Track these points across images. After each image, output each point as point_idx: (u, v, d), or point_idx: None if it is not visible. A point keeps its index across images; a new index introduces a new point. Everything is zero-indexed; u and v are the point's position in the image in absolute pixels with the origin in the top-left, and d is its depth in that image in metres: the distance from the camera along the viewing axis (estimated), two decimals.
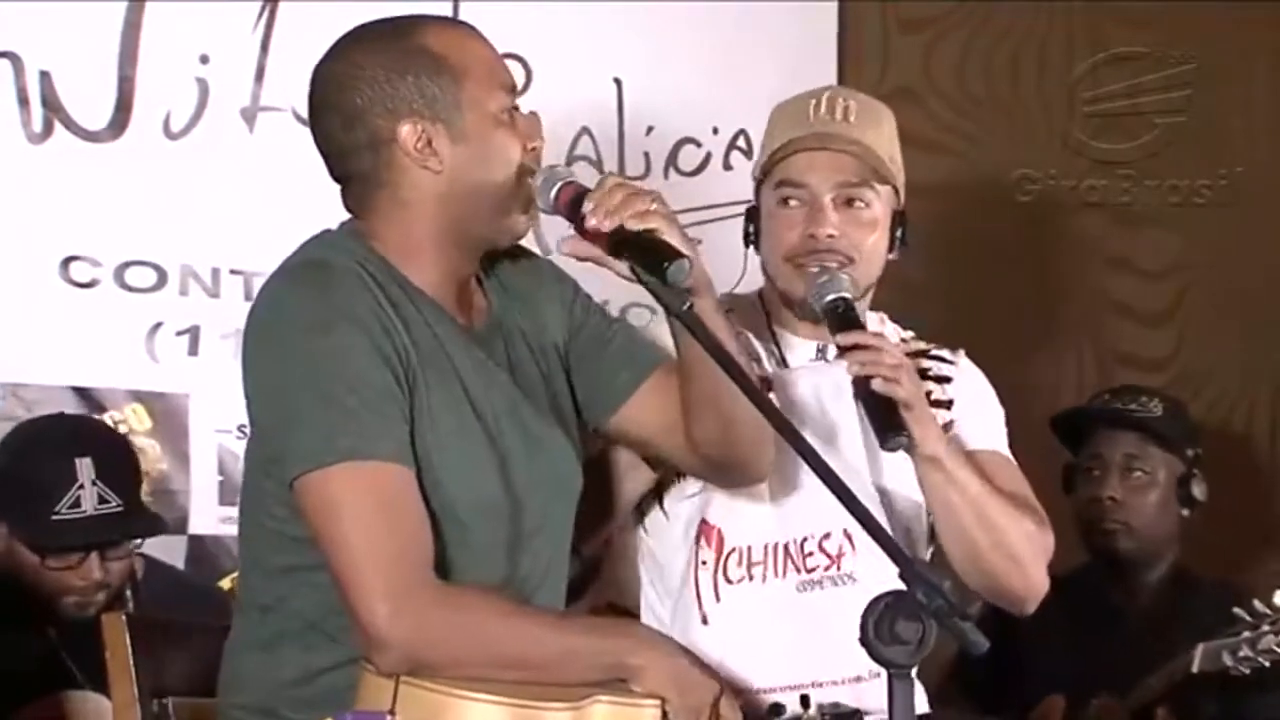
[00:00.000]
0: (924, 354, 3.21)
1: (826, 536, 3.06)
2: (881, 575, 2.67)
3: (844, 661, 2.99)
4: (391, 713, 2.42)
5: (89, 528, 3.46)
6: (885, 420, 2.96)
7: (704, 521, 3.07)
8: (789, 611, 3.06)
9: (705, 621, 3.05)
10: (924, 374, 3.14)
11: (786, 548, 3.06)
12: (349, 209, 2.75)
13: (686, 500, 3.11)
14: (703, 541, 3.06)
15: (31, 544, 3.46)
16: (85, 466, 3.46)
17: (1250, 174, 4.64)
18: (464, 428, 2.65)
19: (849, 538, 3.05)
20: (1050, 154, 4.67)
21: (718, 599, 3.06)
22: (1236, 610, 3.75)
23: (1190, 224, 4.66)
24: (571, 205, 2.66)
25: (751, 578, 3.06)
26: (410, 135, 2.65)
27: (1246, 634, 3.72)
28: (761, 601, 3.06)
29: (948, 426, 3.15)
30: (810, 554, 3.07)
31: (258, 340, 2.64)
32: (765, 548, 3.07)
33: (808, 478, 2.71)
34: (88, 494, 3.45)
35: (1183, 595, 4.10)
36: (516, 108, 2.72)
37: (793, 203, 3.12)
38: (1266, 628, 3.70)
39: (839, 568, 3.07)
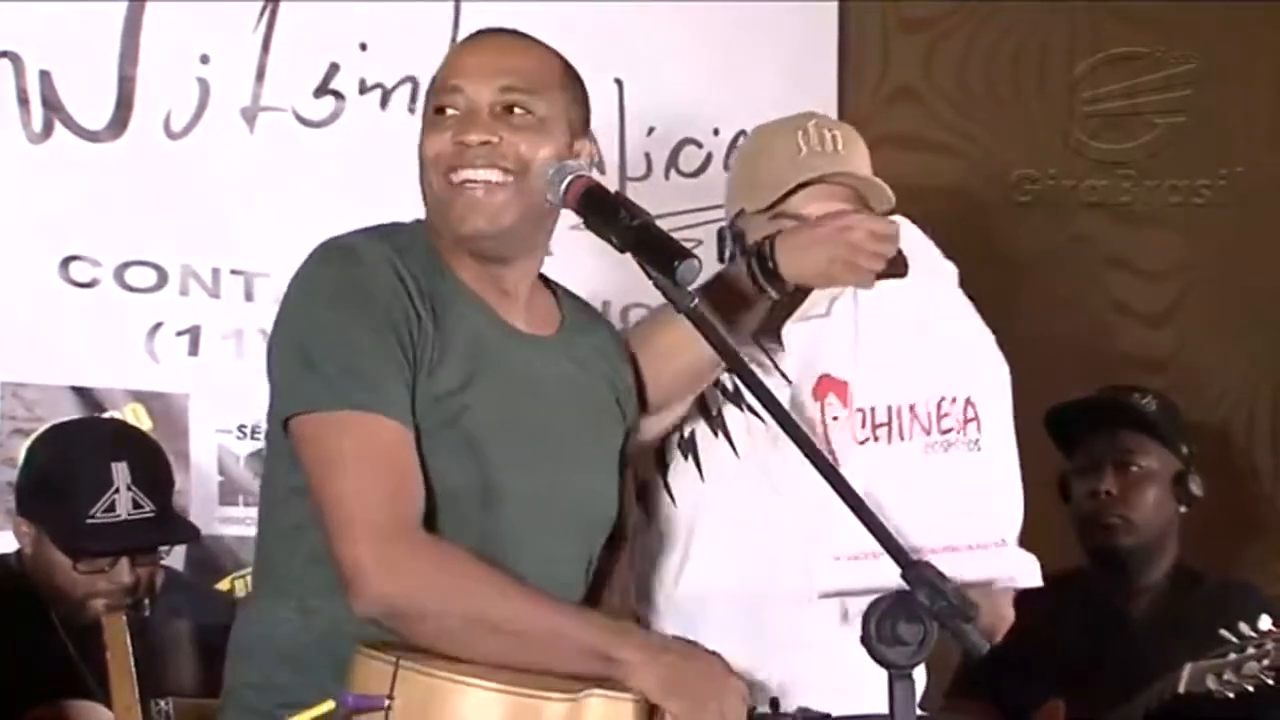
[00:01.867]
0: None
1: (953, 401, 2.97)
2: (1002, 446, 2.86)
3: (978, 527, 2.94)
4: (390, 697, 2.42)
5: (122, 533, 3.46)
6: None
7: (827, 376, 2.98)
8: (915, 474, 2.96)
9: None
10: None
11: (914, 408, 2.97)
12: None
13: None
14: (831, 397, 2.97)
15: (64, 546, 3.46)
16: (121, 471, 3.47)
17: (1250, 174, 4.64)
18: (464, 411, 2.67)
19: (972, 404, 2.97)
20: (1050, 154, 4.67)
21: (844, 460, 2.95)
22: (1223, 632, 3.76)
23: (1190, 224, 4.66)
24: (581, 199, 2.68)
25: (876, 439, 2.97)
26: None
27: (1232, 657, 3.72)
28: (888, 463, 2.96)
29: None
30: (945, 415, 2.98)
31: (281, 311, 2.69)
32: (889, 409, 2.98)
33: (935, 341, 2.82)
34: (122, 499, 3.46)
35: (1185, 595, 4.10)
36: (444, 109, 2.71)
37: None
38: (1252, 651, 3.71)
39: (965, 433, 2.97)
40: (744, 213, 3.18)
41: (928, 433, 2.97)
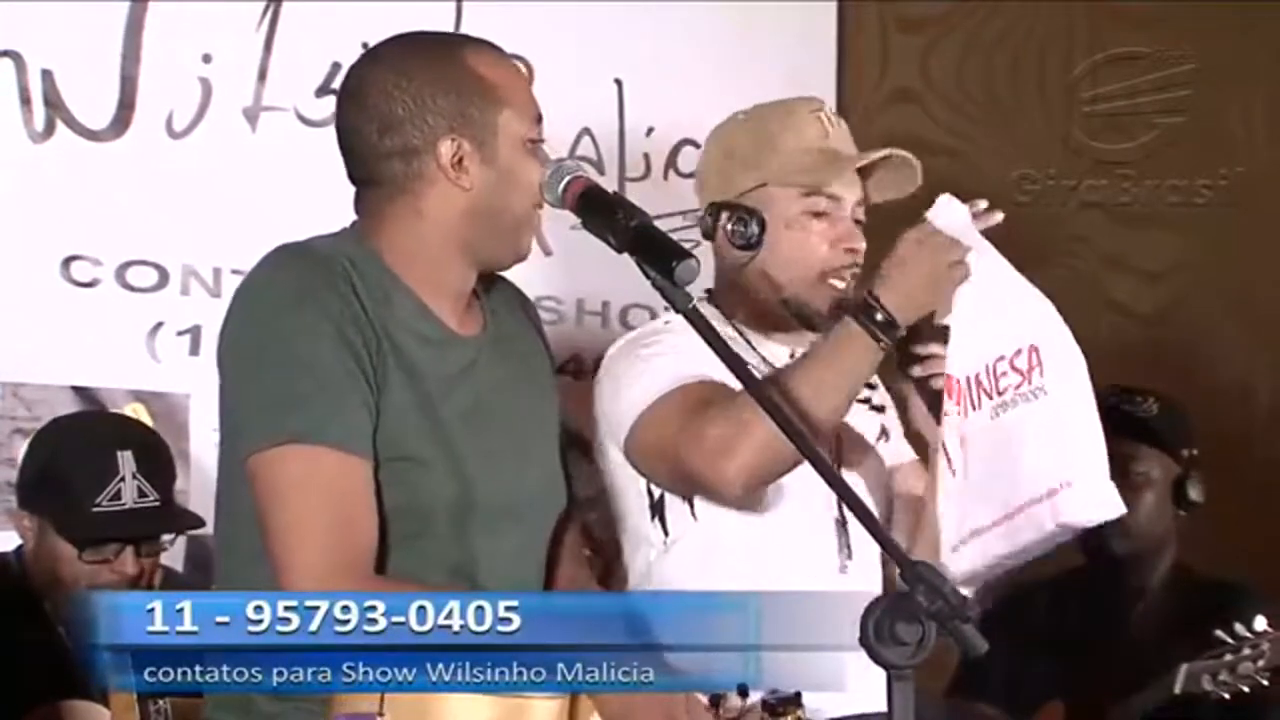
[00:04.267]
0: None
1: (1017, 354, 3.02)
2: (1072, 386, 2.91)
3: (1037, 478, 3.00)
4: (380, 714, 2.43)
5: (128, 521, 3.47)
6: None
7: (948, 375, 3.05)
8: (987, 440, 3.03)
9: (953, 472, 3.03)
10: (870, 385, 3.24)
11: (979, 376, 3.03)
12: (359, 210, 2.81)
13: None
14: (947, 396, 3.04)
15: (70, 536, 3.46)
16: (127, 460, 3.48)
17: (1250, 174, 4.64)
18: (425, 428, 2.69)
19: (1035, 351, 3.01)
20: (1050, 154, 4.68)
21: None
22: (1218, 633, 3.76)
23: (1190, 224, 4.66)
24: (579, 200, 2.69)
25: (965, 415, 3.04)
26: (447, 151, 2.73)
27: (1228, 657, 3.73)
28: (965, 437, 3.04)
29: (883, 433, 3.26)
30: (1004, 374, 3.03)
31: (228, 317, 2.72)
32: (965, 380, 3.04)
33: (993, 301, 2.92)
34: (128, 487, 3.47)
35: (1184, 597, 4.10)
36: (541, 140, 2.79)
37: (823, 217, 3.17)
38: (1247, 652, 3.72)
39: (1030, 382, 3.01)
40: (763, 188, 3.19)
41: (990, 396, 3.02)
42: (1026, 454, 2.98)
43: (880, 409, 3.29)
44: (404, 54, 2.80)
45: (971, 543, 3.00)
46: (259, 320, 2.67)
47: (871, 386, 3.26)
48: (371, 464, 2.64)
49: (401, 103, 2.74)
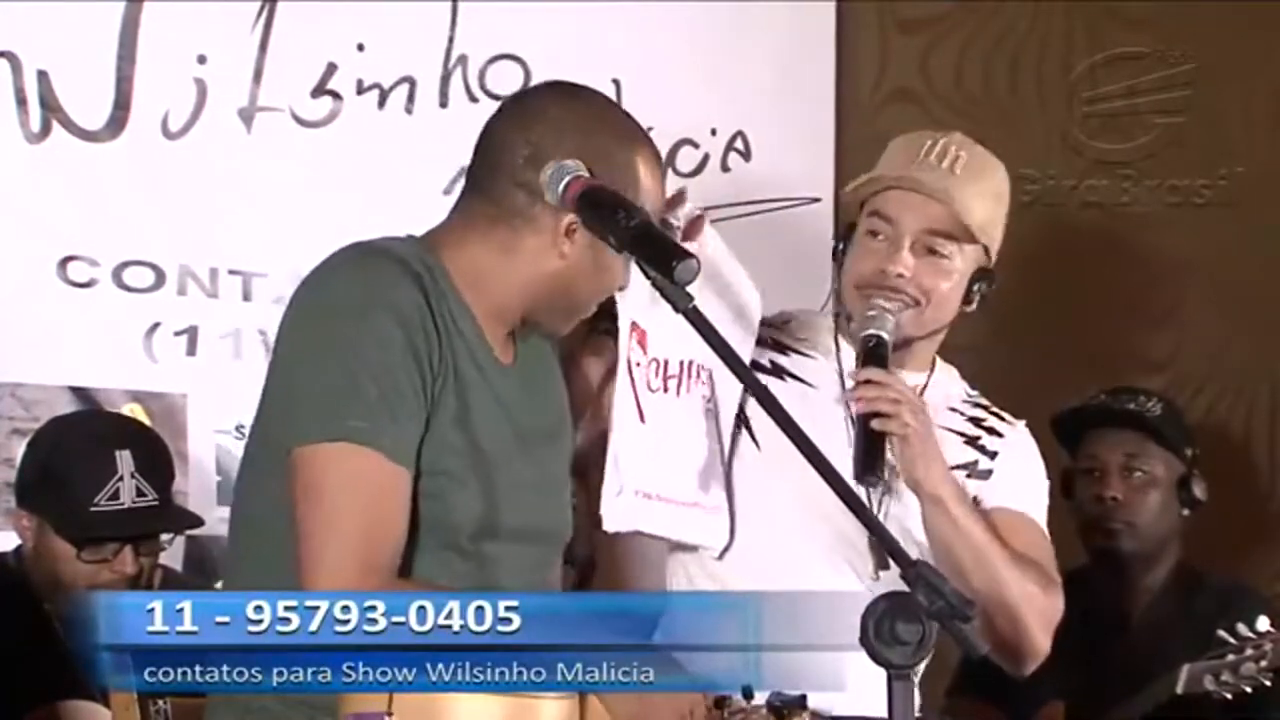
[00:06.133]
0: (985, 408, 3.31)
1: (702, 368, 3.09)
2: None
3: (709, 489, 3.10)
4: (389, 714, 2.42)
5: (127, 520, 3.48)
6: (864, 457, 3.05)
7: (635, 324, 3.04)
8: (694, 427, 3.09)
9: (643, 419, 3.04)
10: (977, 422, 3.26)
11: (694, 365, 3.08)
12: (454, 212, 2.80)
13: None
14: (634, 340, 3.04)
15: (68, 535, 3.47)
16: (125, 459, 3.49)
17: (1250, 174, 4.64)
18: (467, 448, 2.69)
19: (711, 375, 3.08)
20: (1050, 154, 4.67)
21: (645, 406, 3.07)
22: (1221, 633, 3.77)
23: (1190, 224, 4.65)
24: (579, 199, 2.69)
25: (666, 389, 3.07)
26: (569, 218, 2.71)
27: (1230, 658, 3.74)
28: (675, 414, 3.07)
29: (985, 475, 3.22)
30: (701, 380, 3.10)
31: (296, 311, 2.70)
32: (680, 363, 3.07)
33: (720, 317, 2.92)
34: (126, 486, 3.48)
35: (1188, 596, 4.11)
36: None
37: (879, 236, 3.19)
38: (1250, 652, 3.72)
39: (711, 401, 3.10)
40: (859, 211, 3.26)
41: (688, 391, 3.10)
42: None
43: (986, 451, 3.26)
44: (592, 113, 2.79)
45: (636, 501, 3.01)
46: (332, 314, 2.65)
47: (990, 431, 3.28)
48: (412, 476, 2.64)
49: (563, 150, 2.71)
